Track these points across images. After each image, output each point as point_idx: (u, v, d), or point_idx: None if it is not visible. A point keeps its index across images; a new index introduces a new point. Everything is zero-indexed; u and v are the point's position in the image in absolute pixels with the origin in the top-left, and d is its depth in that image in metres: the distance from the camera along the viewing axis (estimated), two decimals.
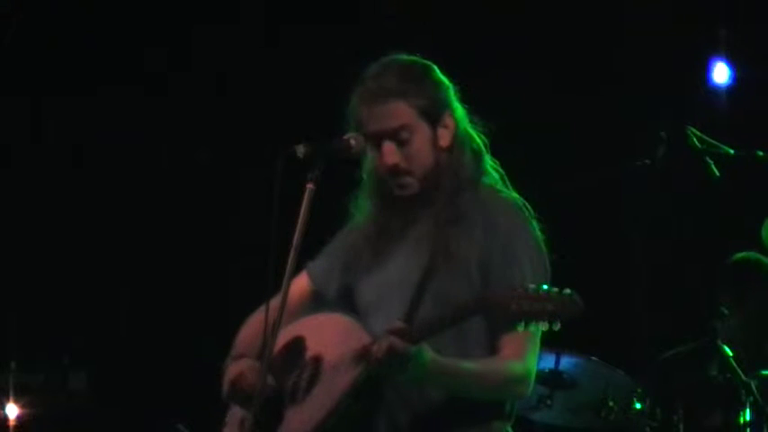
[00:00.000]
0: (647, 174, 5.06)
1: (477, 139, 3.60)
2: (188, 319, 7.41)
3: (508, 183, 3.62)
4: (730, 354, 5.16)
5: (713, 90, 7.08)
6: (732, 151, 5.03)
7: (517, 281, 3.31)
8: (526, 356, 3.42)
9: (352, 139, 3.51)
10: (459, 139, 3.55)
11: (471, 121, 3.60)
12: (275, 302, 3.53)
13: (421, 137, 3.51)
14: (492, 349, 3.44)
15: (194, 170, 7.64)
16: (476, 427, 3.47)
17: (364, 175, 3.64)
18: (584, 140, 6.70)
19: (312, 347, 3.55)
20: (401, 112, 3.49)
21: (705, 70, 7.06)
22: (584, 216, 6.42)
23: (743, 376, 5.09)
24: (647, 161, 5.05)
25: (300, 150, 3.41)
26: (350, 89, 3.60)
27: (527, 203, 3.57)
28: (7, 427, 6.71)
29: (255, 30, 7.52)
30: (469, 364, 3.36)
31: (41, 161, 7.59)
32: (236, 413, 3.63)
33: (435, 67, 3.59)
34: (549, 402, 5.59)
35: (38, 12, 7.45)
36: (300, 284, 3.71)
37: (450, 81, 3.61)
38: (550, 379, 5.60)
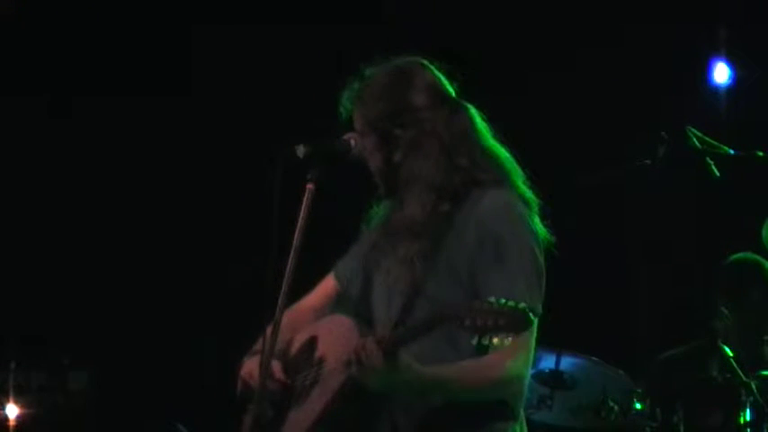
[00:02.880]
0: (647, 174, 5.05)
1: (476, 141, 3.57)
2: (188, 319, 7.41)
3: (517, 177, 3.57)
4: (730, 354, 5.17)
5: (713, 90, 7.08)
6: (732, 151, 5.03)
7: (499, 288, 3.28)
8: (517, 355, 3.38)
9: (353, 139, 3.52)
10: (423, 150, 3.52)
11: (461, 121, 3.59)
12: (306, 303, 3.68)
13: (368, 143, 3.55)
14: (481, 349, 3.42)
15: (194, 170, 7.64)
16: (477, 428, 3.45)
17: None
18: (584, 140, 6.70)
19: (320, 348, 3.57)
20: (357, 118, 3.58)
21: (705, 70, 7.07)
22: (585, 216, 6.42)
23: (743, 376, 5.09)
24: (647, 161, 5.05)
25: (300, 150, 3.41)
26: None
27: (529, 200, 3.53)
28: (7, 427, 6.70)
29: (256, 30, 7.52)
30: (453, 370, 3.34)
31: (42, 162, 7.58)
32: (250, 408, 3.65)
33: (418, 76, 3.58)
34: (549, 403, 5.59)
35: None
36: (327, 285, 3.77)
37: (450, 81, 3.61)
38: (551, 379, 5.60)
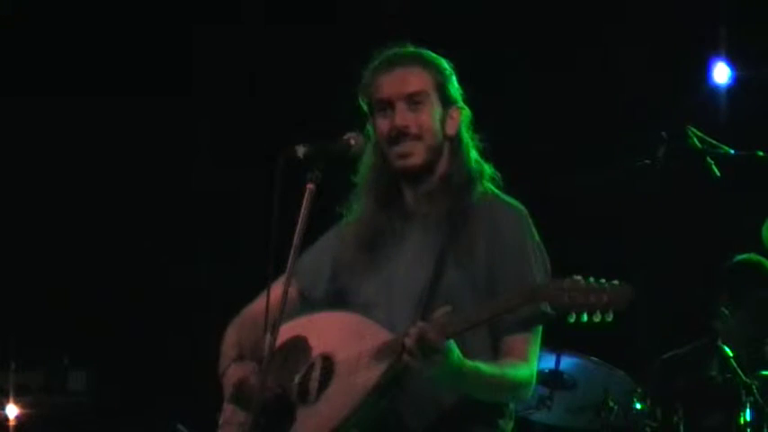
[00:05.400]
0: (647, 174, 5.06)
1: (478, 146, 3.61)
2: (188, 319, 7.41)
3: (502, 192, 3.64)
4: (730, 354, 5.17)
5: (713, 90, 7.08)
6: (732, 151, 5.04)
7: (528, 279, 3.36)
8: (531, 359, 3.45)
9: (352, 138, 3.51)
10: (464, 138, 3.58)
11: (474, 129, 3.62)
12: (259, 305, 3.56)
13: (432, 109, 3.53)
14: (493, 350, 3.44)
15: (195, 172, 7.66)
16: (484, 427, 3.48)
17: (361, 172, 3.63)
18: (584, 140, 6.71)
19: (318, 346, 3.53)
20: (420, 78, 3.52)
21: (705, 70, 7.07)
22: (585, 216, 6.42)
23: (743, 377, 5.09)
24: (647, 161, 5.05)
25: (300, 150, 3.41)
26: (349, 89, 3.63)
27: (526, 209, 3.58)
28: (7, 427, 6.71)
29: (256, 30, 7.52)
30: (487, 367, 3.36)
31: (42, 162, 7.59)
32: (235, 413, 3.61)
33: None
34: (549, 403, 5.60)
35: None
36: (285, 286, 3.65)
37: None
38: (551, 379, 5.61)
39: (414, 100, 3.50)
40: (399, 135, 3.50)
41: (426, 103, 3.51)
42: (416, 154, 3.51)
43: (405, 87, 3.51)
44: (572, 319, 3.15)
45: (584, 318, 3.14)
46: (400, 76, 3.52)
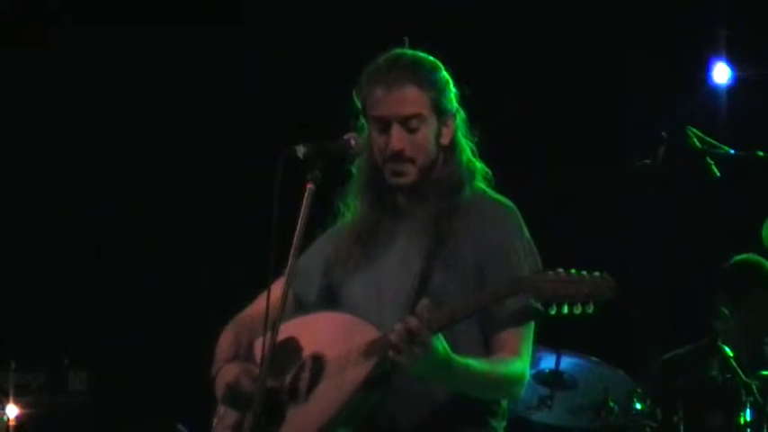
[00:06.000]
0: (647, 174, 5.06)
1: (471, 145, 3.62)
2: (188, 319, 7.41)
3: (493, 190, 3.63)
4: (730, 354, 5.17)
5: (713, 90, 7.08)
6: (732, 151, 5.04)
7: (518, 275, 3.34)
8: (523, 355, 3.43)
9: (352, 138, 3.52)
10: (458, 141, 3.58)
11: (468, 127, 3.62)
12: (258, 308, 3.58)
13: (429, 128, 3.52)
14: (485, 347, 3.44)
15: (193, 171, 7.66)
16: (475, 426, 3.47)
17: (355, 170, 3.63)
18: (584, 140, 6.71)
19: (308, 347, 3.54)
20: (416, 100, 3.50)
21: (705, 70, 7.07)
22: (585, 216, 6.42)
23: (743, 376, 5.09)
24: (647, 161, 5.05)
25: (300, 150, 3.41)
26: (349, 87, 3.63)
27: (517, 207, 3.58)
28: (7, 427, 6.70)
29: (255, 29, 7.53)
30: (477, 363, 3.35)
31: (43, 164, 7.59)
32: (229, 415, 3.61)
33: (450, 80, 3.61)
34: (549, 403, 5.59)
35: None
36: (280, 289, 3.59)
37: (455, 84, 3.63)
38: (551, 379, 5.60)
39: (409, 122, 3.50)
40: (394, 155, 3.51)
41: (422, 124, 3.51)
42: (409, 174, 3.53)
43: (400, 109, 3.49)
44: (553, 312, 3.15)
45: (565, 309, 3.14)
46: (396, 98, 3.49)
